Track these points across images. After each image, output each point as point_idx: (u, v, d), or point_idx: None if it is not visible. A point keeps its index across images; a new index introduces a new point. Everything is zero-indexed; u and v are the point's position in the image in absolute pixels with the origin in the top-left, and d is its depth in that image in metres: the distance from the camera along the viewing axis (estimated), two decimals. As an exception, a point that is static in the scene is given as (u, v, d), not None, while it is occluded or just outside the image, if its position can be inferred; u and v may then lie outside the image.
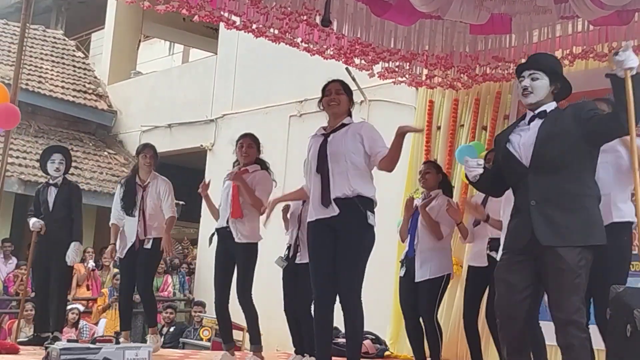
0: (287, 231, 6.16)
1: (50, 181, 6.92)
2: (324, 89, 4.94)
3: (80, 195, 7.07)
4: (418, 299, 6.16)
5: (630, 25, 6.05)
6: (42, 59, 15.32)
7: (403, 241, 6.41)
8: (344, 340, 5.01)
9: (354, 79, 8.80)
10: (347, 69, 8.29)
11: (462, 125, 7.97)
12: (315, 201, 4.78)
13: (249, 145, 6.03)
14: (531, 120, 4.05)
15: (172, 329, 10.28)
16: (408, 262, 6.24)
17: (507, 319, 3.95)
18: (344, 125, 4.81)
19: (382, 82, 8.09)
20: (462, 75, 7.62)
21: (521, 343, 3.96)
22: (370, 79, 7.92)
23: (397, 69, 7.70)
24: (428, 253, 6.12)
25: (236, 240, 5.83)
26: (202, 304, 10.61)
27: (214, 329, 9.29)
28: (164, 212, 6.63)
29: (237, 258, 5.87)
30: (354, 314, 4.63)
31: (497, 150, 4.16)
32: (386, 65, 7.65)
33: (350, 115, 4.92)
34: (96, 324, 10.61)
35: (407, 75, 7.91)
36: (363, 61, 7.59)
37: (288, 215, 6.16)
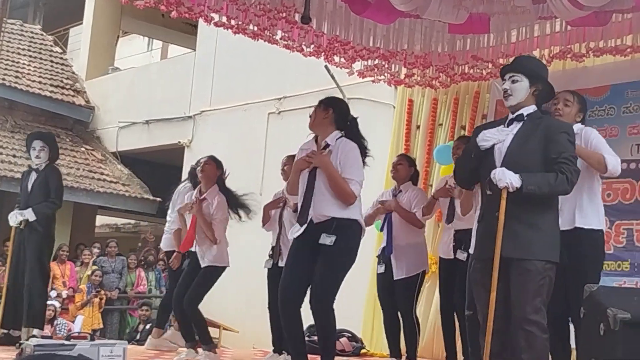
0: (262, 225, 6.15)
1: (33, 166, 6.75)
2: None
3: (58, 175, 6.74)
4: (396, 296, 6.19)
5: (608, 26, 6.09)
6: (19, 53, 15.15)
7: (366, 226, 6.33)
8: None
9: (333, 77, 8.80)
10: (326, 66, 8.29)
11: (441, 125, 7.99)
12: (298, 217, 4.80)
13: (205, 162, 6.16)
14: (509, 123, 4.09)
15: (147, 327, 10.22)
16: (385, 258, 6.25)
17: (485, 320, 3.99)
18: (327, 145, 4.72)
19: (361, 80, 8.09)
20: (440, 74, 7.62)
21: (503, 343, 3.99)
22: (349, 77, 7.92)
23: (376, 68, 7.71)
24: (404, 249, 6.15)
25: (202, 265, 6.02)
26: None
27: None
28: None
29: (201, 271, 6.03)
30: (325, 321, 4.60)
31: (473, 142, 4.17)
32: (365, 63, 7.65)
33: (337, 126, 4.78)
34: (73, 320, 10.53)
35: (386, 74, 7.92)
36: (342, 59, 7.59)
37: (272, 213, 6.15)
